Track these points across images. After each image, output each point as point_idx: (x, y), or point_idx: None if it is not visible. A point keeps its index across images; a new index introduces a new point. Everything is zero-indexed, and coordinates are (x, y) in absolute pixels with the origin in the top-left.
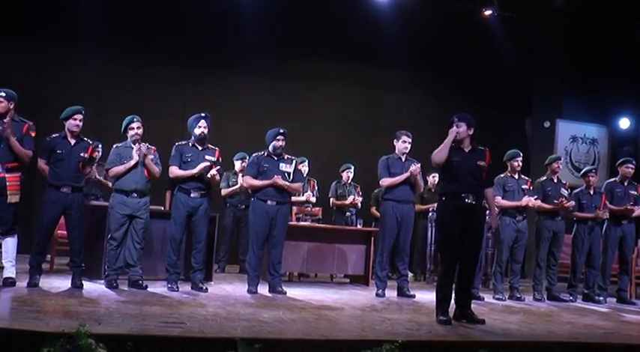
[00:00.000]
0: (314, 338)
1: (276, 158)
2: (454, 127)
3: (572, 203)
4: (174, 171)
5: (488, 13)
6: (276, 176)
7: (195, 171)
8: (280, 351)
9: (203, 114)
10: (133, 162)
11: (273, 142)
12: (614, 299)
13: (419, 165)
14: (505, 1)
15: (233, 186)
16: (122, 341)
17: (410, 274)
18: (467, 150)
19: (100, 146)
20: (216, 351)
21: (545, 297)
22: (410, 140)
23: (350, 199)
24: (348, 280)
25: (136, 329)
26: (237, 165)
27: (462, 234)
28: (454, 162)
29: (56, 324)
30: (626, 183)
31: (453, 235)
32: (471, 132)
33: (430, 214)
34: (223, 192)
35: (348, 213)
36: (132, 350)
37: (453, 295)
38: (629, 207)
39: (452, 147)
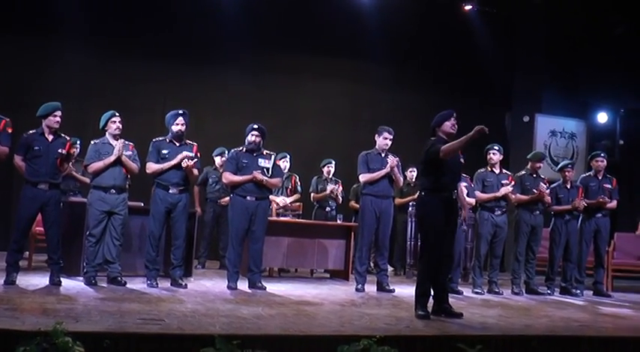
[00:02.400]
0: (292, 333)
1: (254, 154)
2: (473, 132)
3: (549, 198)
4: (152, 166)
5: (468, 8)
6: (255, 171)
7: (173, 162)
8: (259, 347)
9: (181, 112)
10: (112, 158)
11: (248, 137)
12: (591, 292)
13: (397, 158)
14: None
15: (214, 182)
16: (100, 338)
17: (390, 268)
18: None
19: (78, 142)
20: (194, 348)
21: (524, 291)
22: (391, 137)
23: (329, 188)
24: (328, 275)
25: (113, 326)
26: (217, 160)
27: (444, 229)
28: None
29: (32, 322)
30: (600, 177)
31: (439, 230)
32: None
33: (410, 209)
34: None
35: (328, 208)
36: (109, 348)
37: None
38: (601, 200)
39: (441, 143)
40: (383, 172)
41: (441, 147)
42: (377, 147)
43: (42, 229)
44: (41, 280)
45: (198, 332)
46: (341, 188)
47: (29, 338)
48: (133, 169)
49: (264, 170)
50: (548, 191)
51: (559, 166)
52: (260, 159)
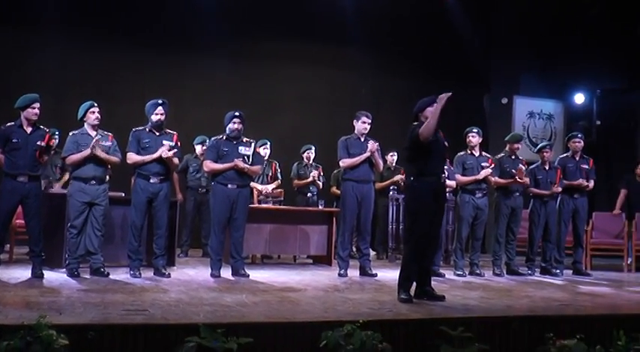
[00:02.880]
0: (276, 320)
1: (234, 141)
2: (438, 102)
3: (527, 180)
4: (132, 157)
5: None
6: (236, 159)
7: (154, 156)
8: (243, 335)
9: (160, 101)
10: (86, 153)
11: (229, 125)
12: (571, 272)
13: (377, 143)
14: None
15: (195, 170)
16: (84, 330)
17: (372, 253)
18: (439, 133)
19: (57, 133)
20: (179, 337)
21: (505, 272)
22: (370, 121)
23: (313, 174)
24: (311, 261)
25: (97, 318)
26: (198, 149)
27: (432, 214)
28: (433, 142)
29: (16, 316)
30: (577, 158)
31: (427, 215)
32: None
33: (391, 193)
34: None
35: (309, 194)
36: (94, 340)
37: None
38: (582, 183)
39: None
40: (363, 157)
41: (419, 130)
42: (356, 131)
43: (22, 222)
44: (23, 273)
45: (182, 322)
46: (321, 173)
47: (12, 332)
48: (113, 162)
49: (245, 157)
50: (525, 173)
51: (537, 147)
52: (240, 147)
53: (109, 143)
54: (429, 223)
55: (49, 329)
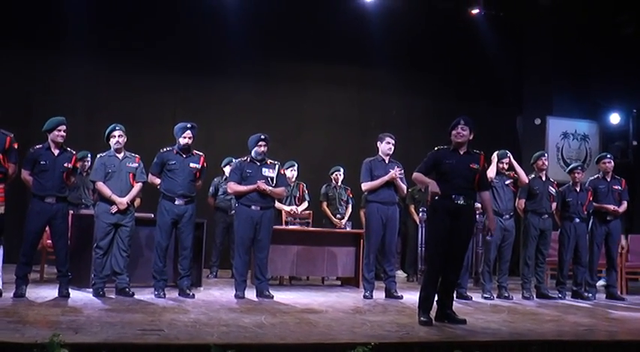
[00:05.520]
0: (287, 342)
1: (258, 163)
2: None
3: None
4: (153, 180)
5: (475, 11)
6: (259, 181)
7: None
8: None
9: (189, 125)
10: (115, 208)
11: (255, 148)
12: (604, 296)
13: (399, 168)
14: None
15: (224, 192)
16: (96, 349)
17: (403, 275)
18: (462, 153)
19: (88, 155)
20: None
21: (534, 295)
22: (393, 141)
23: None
24: (339, 282)
25: (112, 337)
26: (227, 170)
27: (449, 235)
28: (448, 164)
29: (32, 334)
30: (609, 179)
31: (441, 236)
32: (471, 137)
33: (420, 214)
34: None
35: (338, 216)
36: None
37: (436, 295)
38: (610, 208)
39: (447, 150)
40: (384, 180)
41: (415, 174)
42: (380, 153)
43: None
44: (51, 292)
45: (194, 342)
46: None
47: (26, 350)
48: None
49: (269, 179)
50: (555, 197)
51: (569, 168)
52: (264, 169)
53: (135, 164)
54: (448, 244)
55: (62, 347)
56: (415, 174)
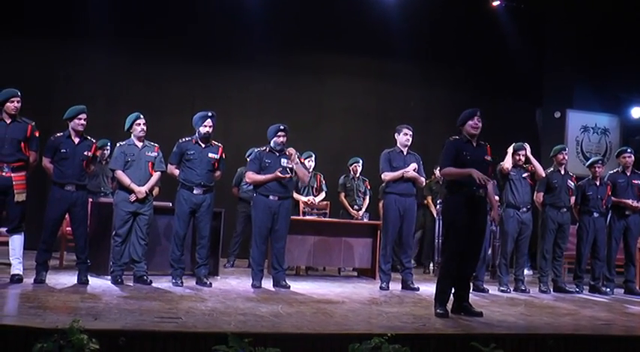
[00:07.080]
0: (304, 332)
1: (277, 153)
2: (472, 174)
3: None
4: (172, 170)
5: (495, 3)
6: (277, 170)
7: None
8: (271, 345)
9: (210, 114)
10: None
11: (275, 138)
12: (622, 291)
13: (414, 166)
14: None
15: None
16: (115, 336)
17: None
18: (475, 145)
19: (108, 144)
20: (207, 345)
21: (552, 289)
22: (411, 133)
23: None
24: (356, 273)
25: (130, 324)
26: None
27: (468, 227)
28: (466, 155)
29: (53, 320)
30: (629, 173)
31: (460, 227)
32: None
33: (438, 207)
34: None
35: (356, 207)
36: (124, 345)
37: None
38: (630, 203)
39: (462, 141)
40: (400, 173)
41: (442, 169)
42: (398, 144)
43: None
44: (70, 279)
45: (211, 330)
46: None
47: (47, 335)
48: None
49: (287, 169)
50: (574, 190)
51: (589, 162)
52: (283, 159)
53: (154, 153)
54: (464, 237)
55: (82, 333)
56: (444, 170)
